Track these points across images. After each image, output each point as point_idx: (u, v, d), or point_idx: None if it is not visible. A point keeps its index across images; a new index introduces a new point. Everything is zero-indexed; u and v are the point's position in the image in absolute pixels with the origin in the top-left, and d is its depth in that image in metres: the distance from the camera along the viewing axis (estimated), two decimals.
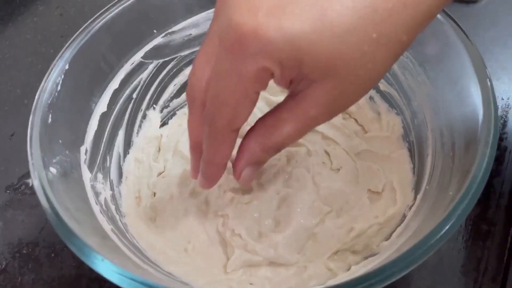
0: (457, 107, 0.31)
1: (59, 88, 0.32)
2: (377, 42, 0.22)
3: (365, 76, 0.23)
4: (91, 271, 0.39)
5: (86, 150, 0.33)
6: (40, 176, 0.27)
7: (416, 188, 0.33)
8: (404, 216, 0.32)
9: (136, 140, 0.39)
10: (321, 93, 0.23)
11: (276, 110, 0.25)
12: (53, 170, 0.29)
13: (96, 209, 0.31)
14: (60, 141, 0.31)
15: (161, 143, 0.40)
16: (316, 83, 0.23)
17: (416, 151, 0.35)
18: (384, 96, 0.39)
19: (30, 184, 0.44)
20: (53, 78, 0.32)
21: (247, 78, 0.23)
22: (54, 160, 0.30)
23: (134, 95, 0.39)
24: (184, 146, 0.39)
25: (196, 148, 0.29)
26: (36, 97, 0.31)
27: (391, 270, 0.23)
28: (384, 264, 0.23)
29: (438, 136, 0.32)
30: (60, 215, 0.25)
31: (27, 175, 0.45)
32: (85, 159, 0.33)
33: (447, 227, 0.24)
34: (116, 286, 0.37)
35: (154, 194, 0.37)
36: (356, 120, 0.39)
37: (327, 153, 0.37)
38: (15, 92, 0.51)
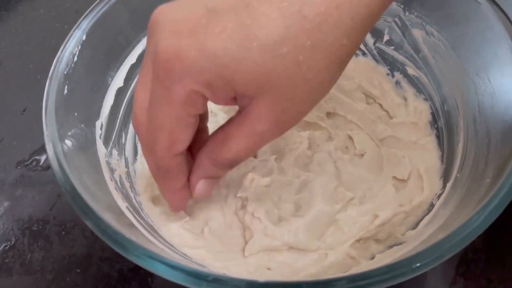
0: (493, 93, 0.29)
1: (75, 59, 0.31)
2: (312, 50, 0.21)
3: (307, 87, 0.22)
4: (102, 251, 0.38)
5: (102, 125, 0.32)
6: (55, 148, 0.26)
7: (445, 176, 0.31)
8: (432, 205, 0.30)
9: None
10: (263, 109, 0.22)
11: (226, 125, 0.25)
12: (68, 142, 0.27)
13: (111, 185, 0.29)
14: (76, 113, 0.30)
15: None
16: (256, 99, 0.22)
17: (445, 138, 0.33)
18: (412, 80, 0.37)
19: (42, 161, 0.43)
20: (70, 49, 0.31)
21: (177, 103, 0.22)
22: (69, 133, 0.28)
23: None
24: None
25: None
26: (52, 66, 0.30)
27: (422, 261, 0.21)
28: (413, 254, 0.22)
29: (470, 122, 0.30)
30: (76, 188, 0.24)
31: (39, 151, 0.44)
32: (101, 134, 0.32)
33: (485, 215, 0.22)
34: (128, 266, 0.36)
35: None
36: (381, 105, 0.38)
37: (350, 137, 0.35)
38: (27, 67, 0.50)
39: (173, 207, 0.29)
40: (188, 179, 0.27)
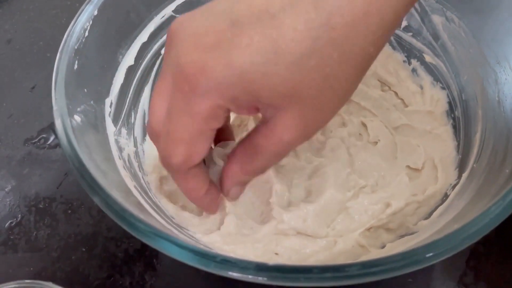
0: None
1: (86, 34, 0.30)
2: (339, 61, 0.20)
3: (333, 96, 0.22)
4: (108, 230, 0.38)
5: (111, 103, 0.32)
6: (64, 123, 0.26)
7: (461, 166, 0.31)
8: (446, 196, 0.30)
9: None
10: (291, 120, 0.22)
11: (252, 136, 0.25)
12: (77, 118, 0.27)
13: (119, 164, 0.29)
14: (86, 89, 0.29)
15: None
16: (282, 111, 0.22)
17: (462, 128, 0.32)
18: (429, 68, 0.36)
19: (50, 140, 0.43)
20: (81, 23, 0.30)
21: (200, 117, 0.22)
22: (78, 109, 0.28)
23: (162, 51, 0.37)
24: None
25: None
26: (63, 40, 0.29)
27: (436, 250, 0.21)
28: (428, 243, 0.21)
29: (489, 112, 0.30)
30: (84, 163, 0.24)
31: (47, 129, 0.43)
32: (110, 112, 0.31)
33: (503, 205, 0.21)
34: (134, 247, 0.36)
35: None
36: (396, 93, 0.37)
37: (363, 124, 0.35)
38: (38, 45, 0.49)
39: (207, 211, 0.29)
40: (220, 184, 0.28)
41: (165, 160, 0.25)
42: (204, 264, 0.20)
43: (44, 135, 0.43)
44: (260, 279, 0.20)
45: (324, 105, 0.22)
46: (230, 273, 0.20)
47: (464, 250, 0.34)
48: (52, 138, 0.43)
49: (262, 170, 0.26)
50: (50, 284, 0.24)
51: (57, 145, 0.42)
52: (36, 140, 0.43)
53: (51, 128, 0.43)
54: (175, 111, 0.23)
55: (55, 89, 0.27)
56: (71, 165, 0.24)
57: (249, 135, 0.25)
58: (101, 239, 0.37)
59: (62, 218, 0.38)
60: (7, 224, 0.38)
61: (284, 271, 0.20)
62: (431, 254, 0.20)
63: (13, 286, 0.25)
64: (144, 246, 0.36)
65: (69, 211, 0.38)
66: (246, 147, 0.25)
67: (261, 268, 0.20)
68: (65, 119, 0.26)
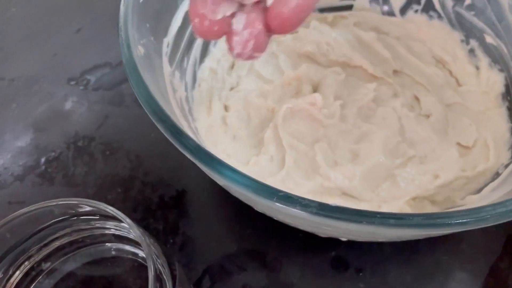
0: None
1: None
2: None
3: None
4: (145, 175, 0.38)
5: (168, 44, 0.31)
6: (130, 51, 0.25)
7: None
8: (497, 174, 0.29)
9: (213, 49, 0.37)
10: None
11: None
12: (141, 49, 0.27)
13: (173, 103, 0.29)
14: (148, 25, 0.29)
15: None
16: None
17: None
18: (488, 49, 0.35)
19: (92, 81, 0.43)
20: None
21: None
22: (142, 41, 0.28)
23: None
24: (261, 66, 0.37)
25: None
26: None
27: (504, 208, 0.20)
28: (496, 202, 0.20)
29: None
30: (150, 90, 0.24)
31: (90, 71, 0.43)
32: (167, 52, 0.31)
33: None
34: (169, 194, 0.35)
35: (225, 106, 0.35)
36: (450, 71, 0.36)
37: (416, 98, 0.34)
38: None
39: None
40: None
41: None
42: (268, 196, 0.20)
43: (87, 76, 0.43)
44: (322, 219, 0.20)
45: None
46: (293, 210, 0.20)
47: (501, 234, 0.34)
48: (94, 80, 0.43)
49: None
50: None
51: (99, 87, 0.42)
52: (79, 80, 0.43)
53: (94, 69, 0.43)
54: None
55: (125, 18, 0.27)
56: (136, 91, 0.24)
57: None
58: (138, 183, 0.37)
59: (100, 158, 0.38)
60: (44, 158, 0.38)
61: (346, 212, 0.20)
62: (500, 211, 0.20)
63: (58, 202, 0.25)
64: (180, 194, 0.36)
65: (107, 152, 0.38)
66: None
67: (323, 208, 0.20)
68: (133, 47, 0.25)
